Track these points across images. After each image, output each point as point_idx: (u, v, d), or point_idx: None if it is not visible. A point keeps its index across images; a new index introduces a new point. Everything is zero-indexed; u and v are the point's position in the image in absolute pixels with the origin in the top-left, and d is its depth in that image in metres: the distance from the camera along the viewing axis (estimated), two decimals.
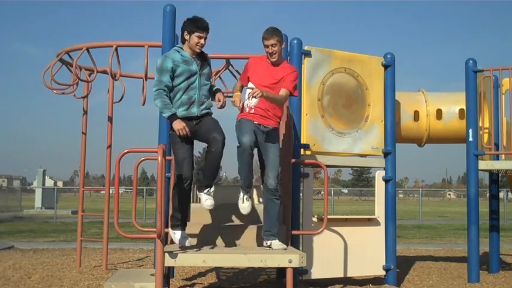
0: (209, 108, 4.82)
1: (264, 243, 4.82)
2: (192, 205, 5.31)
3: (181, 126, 4.54)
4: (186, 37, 4.71)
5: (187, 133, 4.57)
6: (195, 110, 4.71)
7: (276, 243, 4.72)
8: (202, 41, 4.67)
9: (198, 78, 4.72)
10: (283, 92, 4.82)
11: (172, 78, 4.65)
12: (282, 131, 5.55)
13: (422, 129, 7.34)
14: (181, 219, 4.73)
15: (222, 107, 4.89)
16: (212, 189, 4.74)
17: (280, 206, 4.89)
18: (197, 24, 4.67)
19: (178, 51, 4.75)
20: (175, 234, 4.71)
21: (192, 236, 4.91)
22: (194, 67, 4.71)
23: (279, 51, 4.83)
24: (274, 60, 4.84)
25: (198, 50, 4.70)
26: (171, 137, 4.77)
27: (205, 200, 4.69)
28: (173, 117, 4.58)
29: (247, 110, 4.85)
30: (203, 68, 4.78)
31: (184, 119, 4.64)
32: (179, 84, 4.67)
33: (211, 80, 4.98)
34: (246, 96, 4.87)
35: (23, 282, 6.19)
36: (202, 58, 4.79)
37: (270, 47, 4.78)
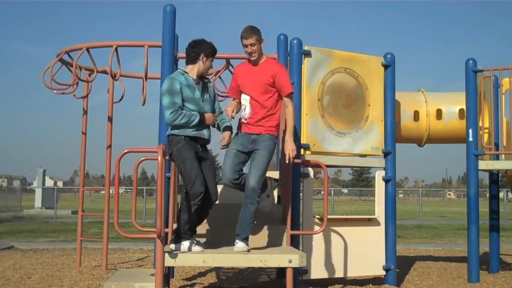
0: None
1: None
2: None
3: (211, 116, 4.70)
4: (202, 59, 4.73)
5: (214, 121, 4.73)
6: (205, 133, 4.76)
7: (239, 245, 4.58)
8: (211, 64, 4.85)
9: (203, 103, 4.76)
10: (287, 102, 4.84)
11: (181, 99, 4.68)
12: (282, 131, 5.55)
13: (422, 129, 7.34)
14: (190, 229, 4.67)
15: (224, 146, 4.86)
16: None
17: (255, 210, 4.70)
18: (215, 52, 4.78)
19: (183, 74, 4.74)
20: (183, 245, 4.60)
21: None
22: (197, 94, 4.74)
23: (258, 50, 4.81)
24: (254, 59, 4.84)
25: (206, 75, 4.78)
26: (178, 154, 4.65)
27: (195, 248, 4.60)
28: (202, 116, 4.65)
29: (244, 120, 4.89)
30: (204, 93, 4.80)
31: (193, 139, 4.68)
32: (189, 107, 4.68)
33: (216, 102, 5.01)
34: (243, 112, 4.89)
35: (23, 282, 6.19)
36: (203, 83, 4.83)
37: (249, 46, 4.76)
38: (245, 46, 4.78)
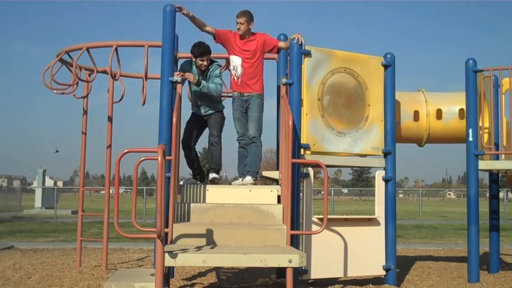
0: (214, 110, 6.23)
1: (240, 180, 5.96)
2: (192, 205, 5.31)
3: (191, 75, 5.90)
4: (194, 59, 6.10)
5: (183, 76, 5.78)
6: (201, 111, 6.25)
7: (248, 178, 5.90)
8: (205, 62, 6.06)
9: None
10: (281, 43, 6.15)
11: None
12: (282, 131, 5.55)
13: (422, 129, 7.34)
14: (193, 170, 6.22)
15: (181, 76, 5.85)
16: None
17: (259, 151, 6.05)
18: (196, 53, 6.01)
19: (192, 66, 6.12)
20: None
21: (192, 236, 4.91)
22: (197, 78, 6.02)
23: (245, 28, 6.03)
24: (240, 33, 6.05)
25: (204, 69, 6.09)
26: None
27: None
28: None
29: (236, 79, 6.05)
30: (201, 78, 6.07)
31: (195, 114, 6.29)
32: (193, 89, 6.15)
33: (214, 78, 6.14)
34: (232, 67, 6.09)
35: (23, 282, 6.20)
36: (201, 71, 6.12)
37: (238, 23, 6.03)
38: (236, 23, 6.05)
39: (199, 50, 6.00)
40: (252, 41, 6.07)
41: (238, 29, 6.03)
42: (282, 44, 6.18)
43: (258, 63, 6.06)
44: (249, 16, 6.02)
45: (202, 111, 6.23)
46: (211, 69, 6.14)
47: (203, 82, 6.01)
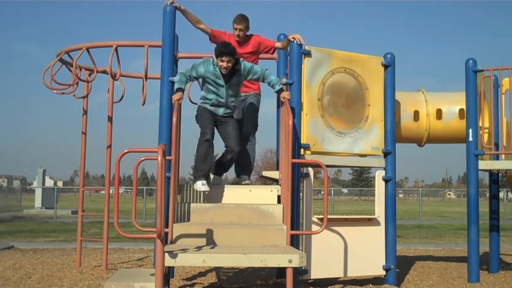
0: (233, 112, 5.81)
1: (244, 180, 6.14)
2: (192, 205, 5.31)
3: (177, 97, 5.21)
4: (216, 58, 5.42)
5: (178, 102, 5.19)
6: (220, 111, 5.65)
7: (245, 177, 6.16)
8: (224, 64, 5.36)
9: (226, 89, 5.54)
10: (278, 44, 6.19)
11: (197, 78, 5.69)
12: (282, 131, 5.55)
13: (422, 129, 7.34)
14: (204, 168, 5.48)
15: (282, 103, 5.62)
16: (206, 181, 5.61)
17: (253, 148, 6.21)
18: (218, 52, 5.34)
19: (214, 66, 5.46)
20: (197, 184, 5.43)
21: (192, 236, 4.91)
22: (221, 81, 5.50)
23: (244, 34, 6.07)
24: (238, 39, 6.06)
25: (224, 71, 5.43)
26: (198, 114, 5.69)
27: (202, 186, 5.45)
28: (178, 90, 5.33)
29: None
30: (232, 81, 5.53)
31: (210, 112, 5.63)
32: (209, 88, 5.55)
33: (256, 67, 5.68)
34: None
35: (23, 282, 6.20)
36: (231, 72, 5.48)
37: (238, 30, 6.02)
38: (235, 29, 6.03)
39: (220, 49, 5.36)
40: (247, 43, 6.11)
41: (238, 35, 6.03)
42: (278, 44, 6.21)
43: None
44: (248, 22, 6.04)
45: (221, 111, 5.71)
46: (246, 68, 5.57)
47: (271, 77, 5.64)
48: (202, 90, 5.73)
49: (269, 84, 5.65)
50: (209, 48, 6.09)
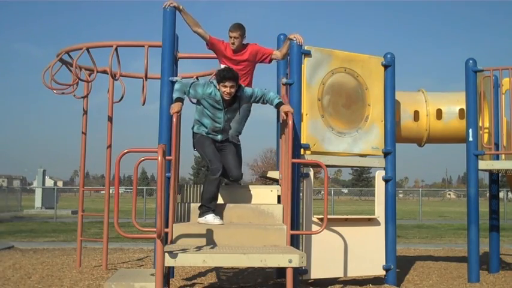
0: (233, 137, 5.78)
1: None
2: (192, 205, 5.32)
3: (177, 109, 5.04)
4: (218, 85, 5.26)
5: (177, 114, 5.00)
6: (218, 138, 5.49)
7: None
8: (227, 89, 5.19)
9: (224, 114, 5.36)
10: (276, 52, 6.17)
11: (192, 97, 5.49)
12: (282, 131, 5.55)
13: (422, 129, 7.34)
14: (212, 204, 5.23)
15: (283, 121, 5.47)
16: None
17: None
18: (220, 78, 5.20)
19: (215, 88, 5.29)
20: (207, 218, 5.15)
21: (192, 236, 4.91)
22: (220, 106, 5.32)
23: (239, 42, 6.00)
24: (234, 47, 6.01)
25: (226, 97, 5.25)
26: (197, 142, 5.49)
27: (214, 219, 5.16)
28: (177, 100, 5.17)
29: None
30: (231, 106, 5.36)
31: (211, 139, 5.46)
32: (205, 111, 5.37)
33: (256, 89, 5.53)
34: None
35: (23, 282, 6.20)
36: (233, 98, 5.31)
37: (233, 38, 5.97)
38: (230, 37, 5.99)
39: (222, 74, 5.22)
40: (243, 52, 6.07)
41: (233, 43, 5.98)
42: (277, 52, 6.17)
43: (248, 74, 6.10)
44: (243, 30, 5.99)
45: (221, 137, 5.56)
46: (247, 93, 5.49)
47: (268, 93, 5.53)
48: (196, 112, 5.53)
49: (268, 102, 5.53)
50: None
